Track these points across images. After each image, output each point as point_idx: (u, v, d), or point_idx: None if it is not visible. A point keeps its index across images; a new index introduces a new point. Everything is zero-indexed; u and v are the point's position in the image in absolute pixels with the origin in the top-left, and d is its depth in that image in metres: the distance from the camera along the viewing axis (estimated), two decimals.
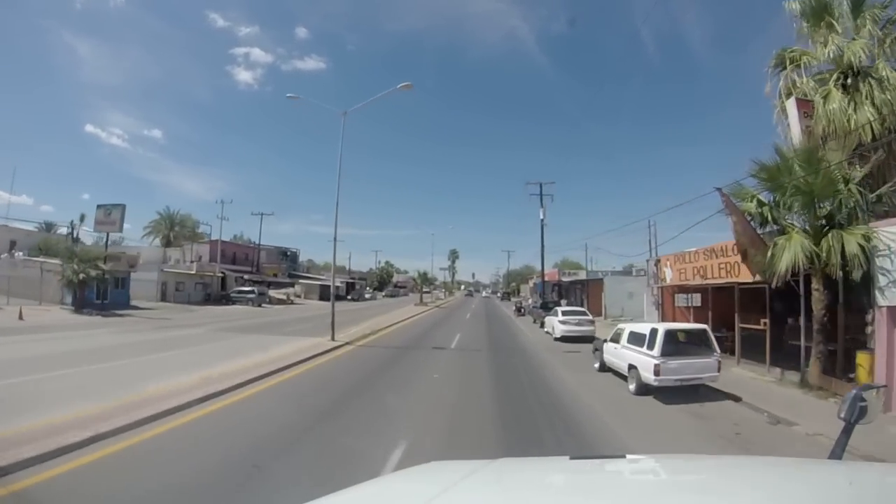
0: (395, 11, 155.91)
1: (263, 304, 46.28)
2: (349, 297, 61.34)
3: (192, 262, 48.55)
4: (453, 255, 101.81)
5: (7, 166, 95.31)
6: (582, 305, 32.58)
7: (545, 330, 22.12)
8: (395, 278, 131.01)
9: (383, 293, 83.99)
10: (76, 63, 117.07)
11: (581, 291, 33.83)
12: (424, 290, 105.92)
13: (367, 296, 66.03)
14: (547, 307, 26.22)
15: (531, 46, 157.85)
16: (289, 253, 79.34)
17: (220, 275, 49.35)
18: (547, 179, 35.81)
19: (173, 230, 64.12)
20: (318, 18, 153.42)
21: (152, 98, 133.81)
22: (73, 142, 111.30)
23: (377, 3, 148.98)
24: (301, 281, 62.87)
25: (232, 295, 47.01)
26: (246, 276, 52.54)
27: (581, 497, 1.44)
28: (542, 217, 35.76)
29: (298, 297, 61.20)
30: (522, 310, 35.13)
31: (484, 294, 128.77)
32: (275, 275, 67.99)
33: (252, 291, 46.33)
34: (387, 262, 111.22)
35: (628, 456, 2.01)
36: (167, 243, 63.04)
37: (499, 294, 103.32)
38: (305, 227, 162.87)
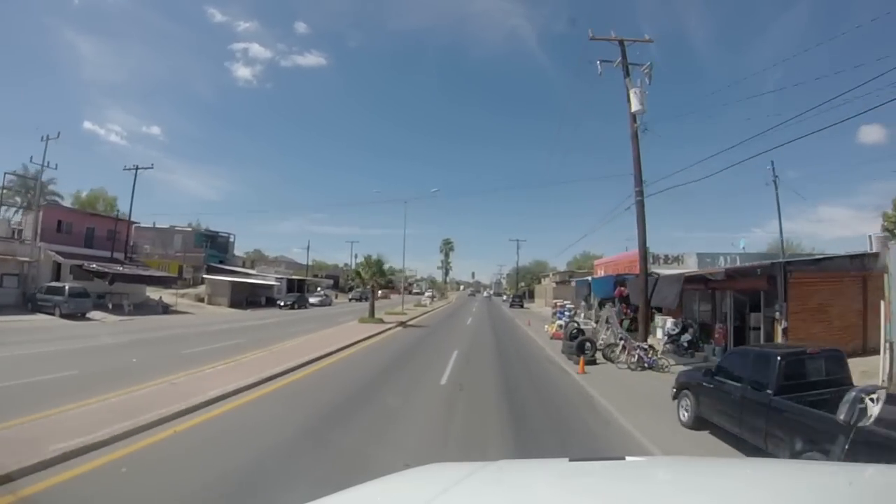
0: (396, 8, 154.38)
1: (91, 314, 26.02)
2: (283, 304, 39.77)
3: None
4: (447, 247, 79.21)
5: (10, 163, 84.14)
6: (778, 336, 11.22)
7: None
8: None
9: (350, 295, 62.13)
10: (76, 60, 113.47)
11: (778, 300, 11.82)
12: (416, 291, 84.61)
13: (312, 300, 44.36)
14: None
15: (533, 45, 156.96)
16: (219, 238, 57.83)
17: (27, 260, 27.92)
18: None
19: (29, 195, 43.33)
20: (317, 14, 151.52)
21: (151, 95, 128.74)
22: (73, 139, 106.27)
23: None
24: (208, 276, 41.43)
25: (38, 297, 26.54)
26: (92, 265, 31.04)
27: (580, 498, 1.44)
28: (633, 108, 14.32)
29: (201, 300, 39.91)
30: (588, 346, 13.41)
31: (485, 294, 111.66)
32: (180, 267, 46.74)
33: (60, 291, 25.59)
34: (367, 257, 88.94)
35: (628, 458, 1.92)
36: None
37: (505, 297, 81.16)
38: (307, 227, 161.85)
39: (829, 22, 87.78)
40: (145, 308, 32.35)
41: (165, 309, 32.73)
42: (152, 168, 39.04)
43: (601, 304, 21.08)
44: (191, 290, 42.50)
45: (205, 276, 41.89)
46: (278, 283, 45.47)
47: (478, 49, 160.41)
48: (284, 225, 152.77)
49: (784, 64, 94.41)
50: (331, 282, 77.85)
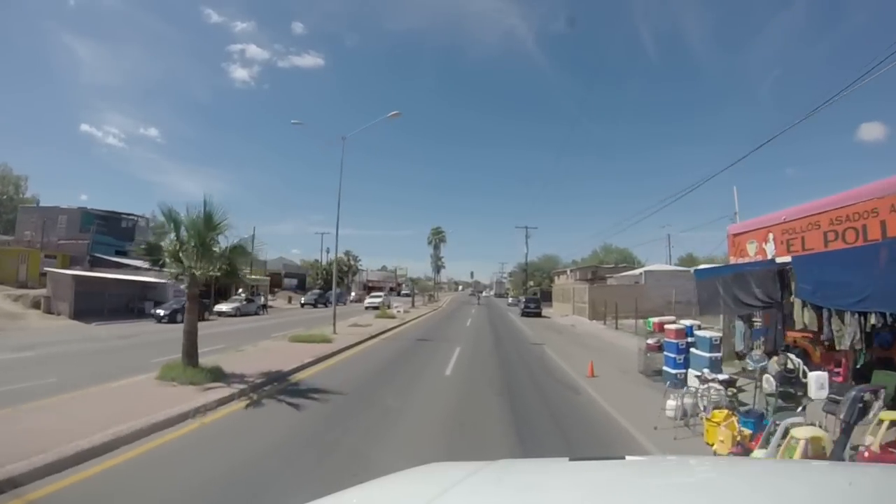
0: (393, 9, 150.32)
1: None
2: (161, 314, 24.68)
3: None
4: (437, 237, 63.37)
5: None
6: None
7: None
8: (366, 276, 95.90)
9: (303, 299, 46.81)
10: (73, 63, 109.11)
11: None
12: (405, 293, 69.29)
13: (224, 308, 29.36)
14: None
15: (530, 45, 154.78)
16: (121, 220, 42.59)
17: None
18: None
19: None
20: (314, 15, 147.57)
21: (148, 97, 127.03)
22: (70, 142, 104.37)
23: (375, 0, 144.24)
24: (53, 270, 26.35)
25: None
26: None
27: (580, 498, 1.41)
28: None
29: (37, 305, 24.91)
30: None
31: (483, 294, 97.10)
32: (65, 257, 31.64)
33: None
34: (346, 253, 73.48)
35: (628, 457, 1.89)
36: None
37: (510, 299, 65.97)
38: (305, 228, 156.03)
39: None
40: None
41: None
42: None
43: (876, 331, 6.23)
44: (31, 292, 27.57)
45: (48, 269, 26.75)
46: (172, 282, 30.19)
47: (475, 49, 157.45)
48: (282, 227, 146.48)
49: None
50: (294, 282, 63.10)
